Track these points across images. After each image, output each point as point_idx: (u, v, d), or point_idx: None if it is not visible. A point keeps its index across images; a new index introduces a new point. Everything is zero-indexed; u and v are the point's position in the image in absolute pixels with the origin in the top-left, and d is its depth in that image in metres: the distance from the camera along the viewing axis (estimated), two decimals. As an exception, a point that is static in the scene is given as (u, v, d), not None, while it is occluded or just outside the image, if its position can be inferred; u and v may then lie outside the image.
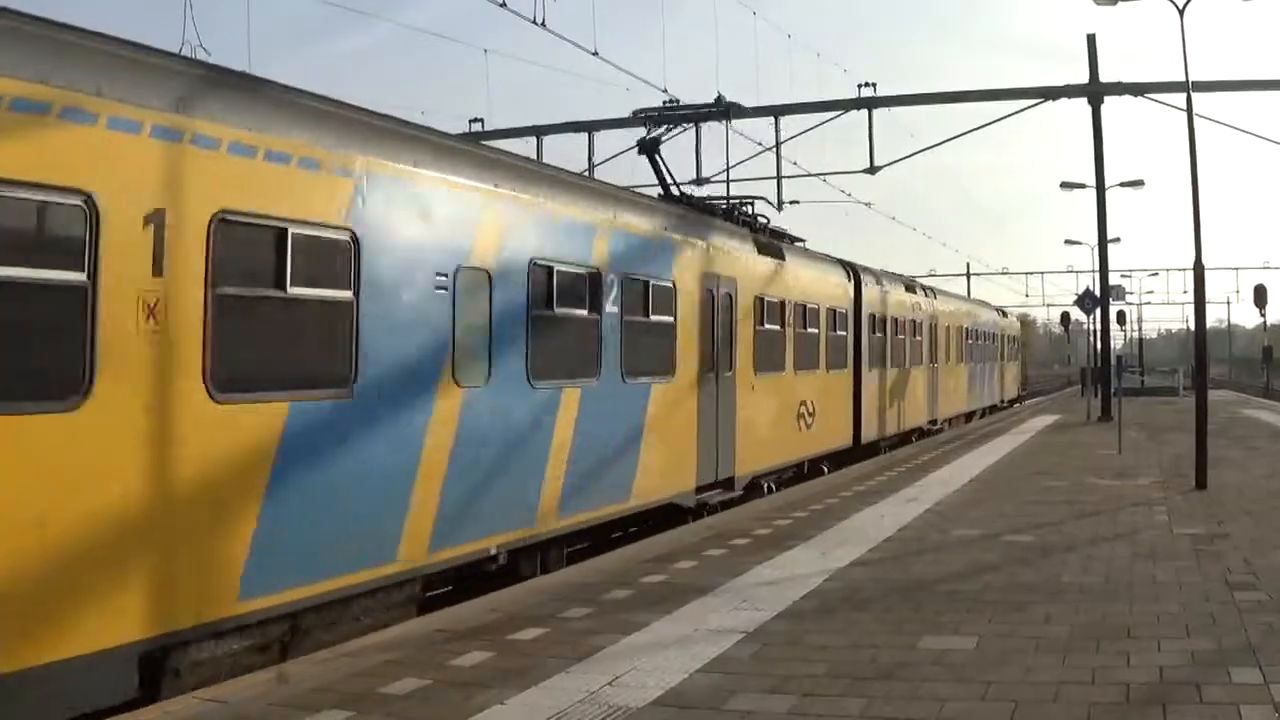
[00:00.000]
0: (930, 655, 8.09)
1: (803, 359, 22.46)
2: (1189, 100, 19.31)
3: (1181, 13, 19.50)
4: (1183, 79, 19.09)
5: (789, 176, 35.86)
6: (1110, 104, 35.08)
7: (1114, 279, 46.17)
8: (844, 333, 25.54)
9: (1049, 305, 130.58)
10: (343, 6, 34.22)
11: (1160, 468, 20.90)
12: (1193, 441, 18.33)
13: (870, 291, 27.77)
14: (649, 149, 20.48)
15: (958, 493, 17.73)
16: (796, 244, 24.08)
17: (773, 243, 21.81)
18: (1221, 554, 11.84)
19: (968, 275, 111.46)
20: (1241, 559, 11.49)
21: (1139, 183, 44.33)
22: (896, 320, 30.43)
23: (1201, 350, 20.42)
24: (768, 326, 20.46)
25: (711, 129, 34.66)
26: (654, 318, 15.77)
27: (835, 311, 24.82)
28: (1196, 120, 19.12)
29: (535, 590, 10.83)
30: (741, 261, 19.42)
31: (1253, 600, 9.56)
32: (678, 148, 38.97)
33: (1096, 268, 38.51)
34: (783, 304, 21.27)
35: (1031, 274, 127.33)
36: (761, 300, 20.22)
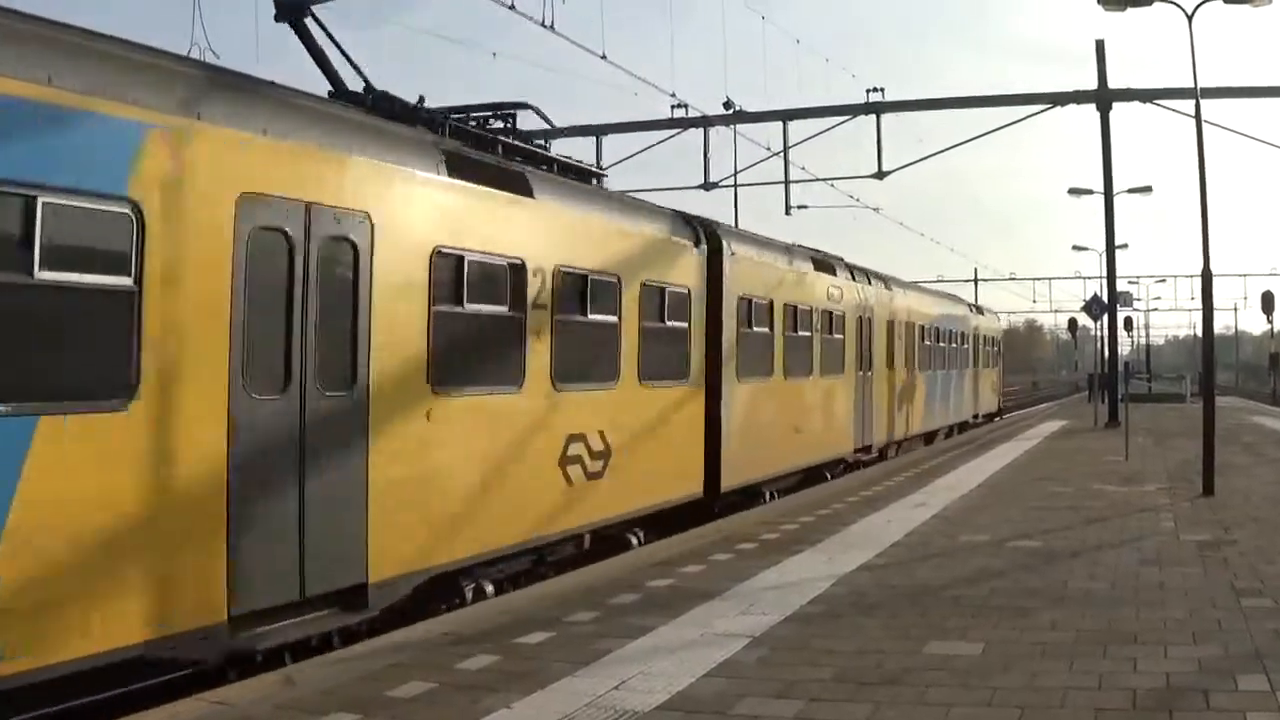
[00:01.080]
0: (936, 661, 8.09)
1: (576, 366, 13.80)
2: (1198, 106, 19.29)
3: (1190, 18, 19.51)
4: (1191, 85, 19.06)
5: (797, 181, 35.97)
6: (1119, 110, 35.09)
7: (1122, 285, 46.26)
8: (683, 324, 16.96)
9: (1057, 311, 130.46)
10: (349, 9, 34.23)
11: (1167, 474, 20.87)
12: (1199, 447, 18.31)
13: (739, 267, 19.07)
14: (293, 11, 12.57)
15: (964, 498, 17.71)
16: (594, 185, 16.18)
17: (505, 169, 13.14)
18: (1228, 560, 11.82)
19: (975, 280, 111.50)
20: (1248, 565, 11.48)
21: (1147, 189, 44.32)
22: (795, 310, 21.91)
23: (1209, 357, 20.41)
24: (469, 309, 11.82)
25: (720, 133, 34.78)
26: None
27: (665, 292, 16.30)
28: (1205, 126, 19.12)
29: (542, 594, 10.83)
30: (397, 188, 10.87)
31: (1260, 607, 9.55)
32: (686, 152, 39.14)
33: (1104, 274, 38.50)
34: (515, 270, 12.56)
35: (1039, 279, 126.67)
36: (457, 260, 11.62)
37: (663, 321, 16.13)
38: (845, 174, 36.61)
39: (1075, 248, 64.48)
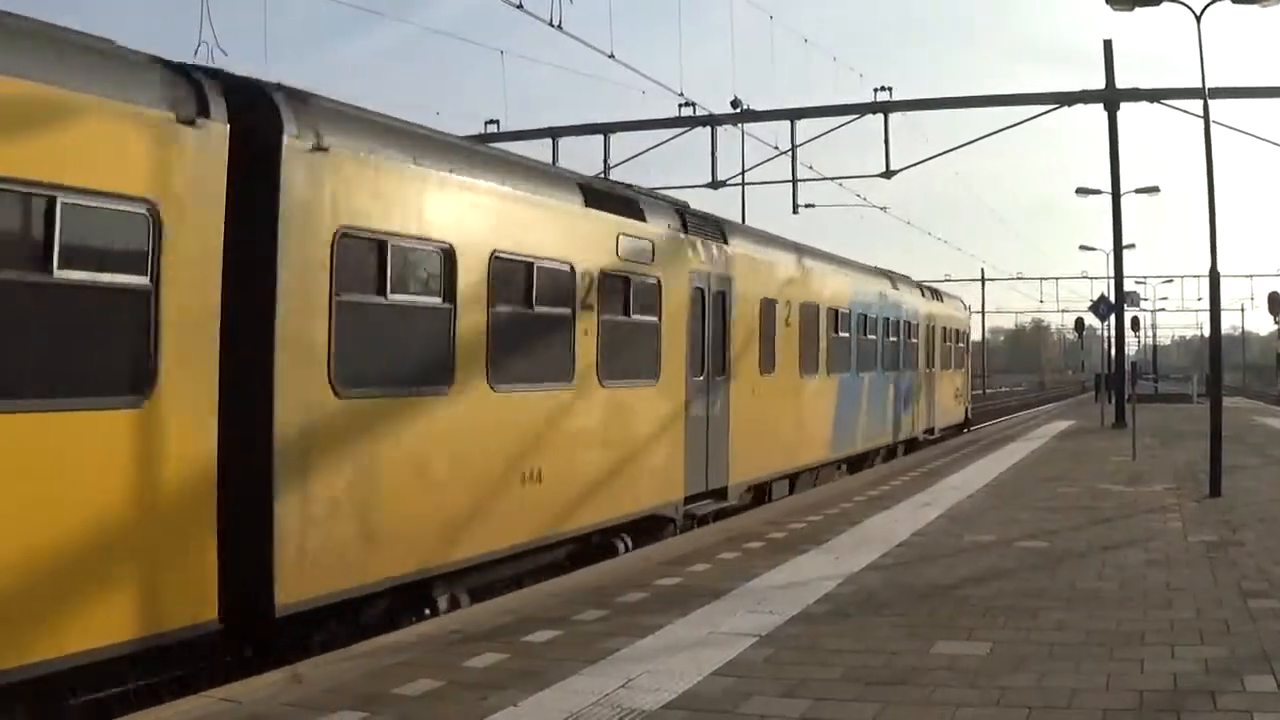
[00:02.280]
0: (944, 660, 8.08)
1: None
2: (1205, 107, 19.28)
3: (1198, 18, 19.47)
4: (1199, 85, 19.04)
5: (805, 180, 35.90)
6: (1126, 110, 35.04)
7: (1129, 285, 46.23)
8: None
9: (1063, 310, 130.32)
10: (358, 7, 34.25)
11: (1174, 474, 20.86)
12: (1206, 448, 18.29)
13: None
14: None
15: (971, 498, 17.71)
16: None
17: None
18: (1235, 561, 11.81)
19: (982, 280, 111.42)
20: (1256, 566, 11.47)
21: (1154, 189, 44.27)
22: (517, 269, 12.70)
23: (1216, 357, 20.38)
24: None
25: (727, 132, 34.77)
26: None
27: None
28: (1213, 126, 19.10)
29: (549, 592, 10.84)
30: None
31: (1267, 608, 9.54)
32: (693, 150, 39.07)
33: (1111, 274, 38.48)
34: None
35: (1046, 279, 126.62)
36: None
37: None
38: (853, 173, 36.35)
39: (1082, 247, 64.58)
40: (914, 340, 31.55)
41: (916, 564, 12.06)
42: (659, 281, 15.79)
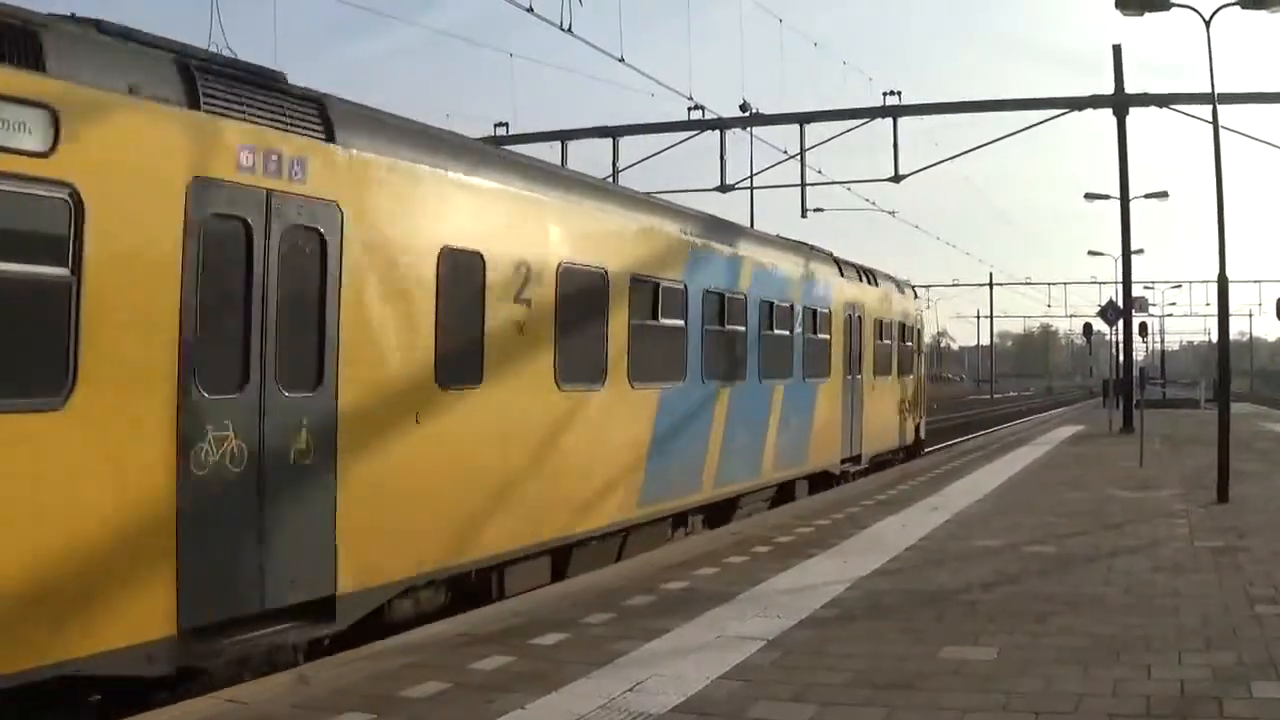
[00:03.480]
0: (951, 665, 8.09)
1: None
2: (1214, 112, 19.25)
3: (1208, 24, 19.47)
4: (1208, 90, 19.03)
5: (813, 184, 35.89)
6: (1136, 115, 35.01)
7: (1137, 290, 46.15)
8: None
9: (1072, 316, 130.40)
10: (367, 9, 34.36)
11: (1182, 480, 20.83)
12: (1214, 454, 18.28)
13: None
14: None
15: (979, 503, 17.71)
16: None
17: None
18: (1242, 567, 11.80)
19: (990, 284, 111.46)
20: (1263, 572, 11.45)
21: (1163, 194, 44.22)
22: None
23: (1224, 363, 20.36)
24: None
25: (736, 135, 34.77)
26: None
27: None
28: (1222, 131, 19.09)
29: (556, 595, 10.85)
30: None
31: (1274, 614, 9.53)
32: (702, 153, 38.98)
33: (1120, 279, 38.42)
34: None
35: (1054, 284, 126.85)
36: None
37: None
38: (862, 177, 36.37)
39: (1091, 253, 64.66)
40: (823, 337, 22.45)
41: (924, 568, 12.05)
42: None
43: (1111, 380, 46.59)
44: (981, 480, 21.33)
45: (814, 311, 21.86)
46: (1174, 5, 20.14)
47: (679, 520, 16.35)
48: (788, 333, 20.51)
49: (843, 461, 23.46)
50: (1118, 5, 20.52)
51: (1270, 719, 6.74)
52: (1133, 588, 10.83)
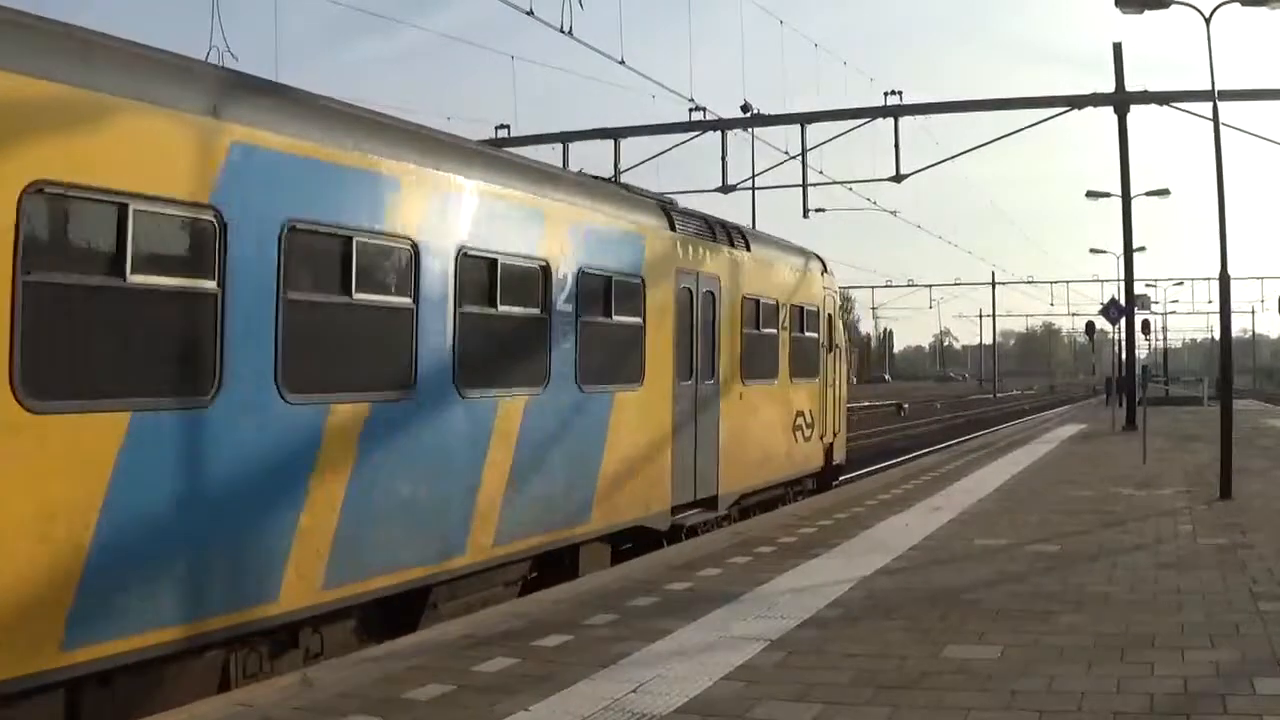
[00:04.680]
0: (955, 664, 8.09)
1: None
2: (1215, 109, 19.25)
3: (1208, 21, 19.47)
4: (1209, 87, 19.02)
5: (815, 184, 35.86)
6: (1136, 112, 35.02)
7: (1139, 288, 46.13)
8: None
9: (1074, 314, 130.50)
10: (368, 11, 34.38)
11: (1185, 477, 20.83)
12: (1217, 451, 18.28)
13: None
14: None
15: (982, 502, 17.71)
16: None
17: None
18: (1246, 564, 11.80)
19: (993, 283, 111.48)
20: (1266, 569, 11.45)
21: (1164, 192, 44.21)
22: None
23: (1227, 360, 20.35)
24: None
25: (738, 136, 34.77)
26: None
27: None
28: (1223, 129, 19.09)
29: (559, 597, 10.85)
30: None
31: (1278, 610, 9.52)
32: (703, 154, 38.89)
33: (1122, 277, 38.41)
34: None
35: (1057, 283, 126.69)
36: None
37: None
38: (863, 177, 36.31)
39: (1093, 251, 64.38)
40: (626, 321, 14.86)
41: (928, 568, 12.05)
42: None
43: (1114, 378, 46.57)
44: (984, 479, 21.33)
45: (605, 281, 14.22)
46: (1174, 3, 20.15)
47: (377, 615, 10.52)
48: (534, 313, 12.71)
49: (678, 510, 15.94)
50: (1118, 3, 20.55)
51: (1274, 715, 6.73)
52: (1136, 585, 10.82)
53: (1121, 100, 34.54)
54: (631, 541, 14.94)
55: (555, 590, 11.46)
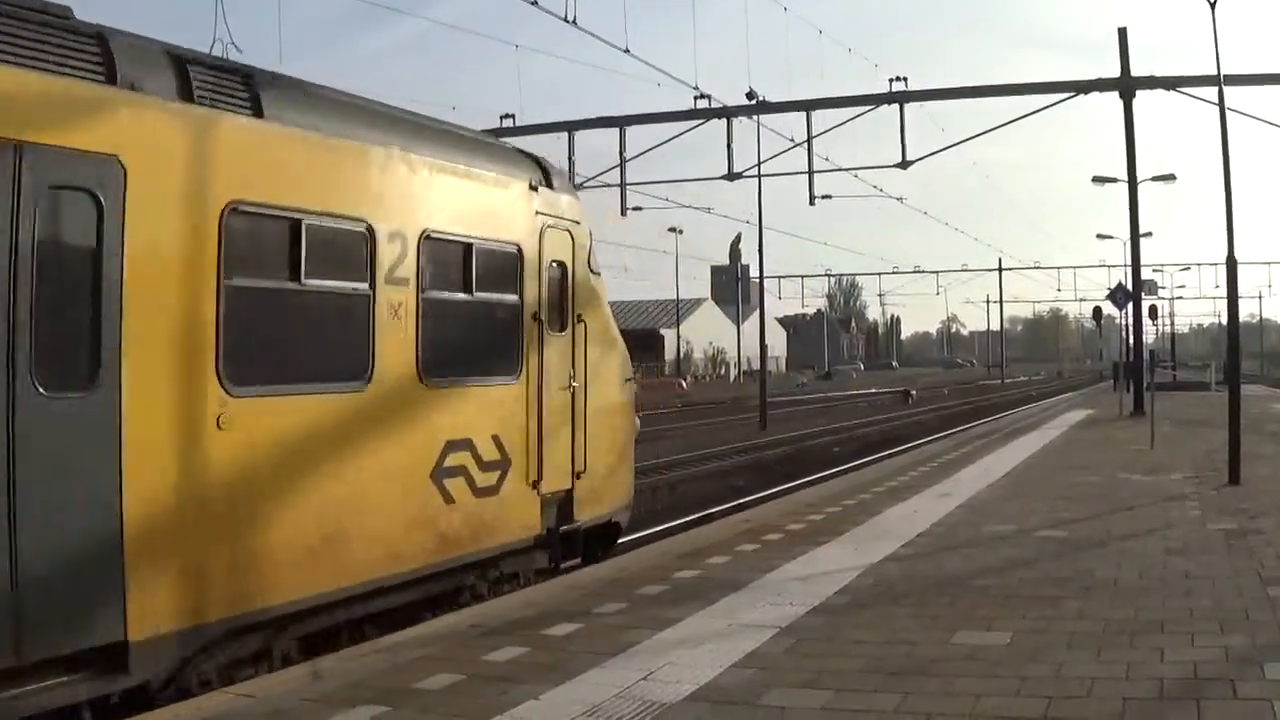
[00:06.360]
0: (964, 650, 8.08)
1: None
2: (1221, 94, 19.20)
3: (1213, 5, 19.39)
4: (1215, 72, 18.96)
5: (820, 171, 35.85)
6: (1142, 98, 34.94)
7: (1146, 273, 46.03)
8: None
9: (1081, 300, 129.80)
10: (371, 3, 34.30)
11: (1192, 463, 20.78)
12: (1225, 437, 18.24)
13: None
14: None
15: (990, 488, 17.69)
16: None
17: None
18: (1254, 549, 11.77)
19: (999, 269, 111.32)
20: (1275, 554, 11.42)
21: (1171, 177, 44.11)
22: None
23: (1234, 345, 20.32)
24: None
25: (743, 124, 34.73)
26: None
27: None
28: (1229, 113, 19.03)
29: (569, 586, 10.87)
30: None
31: (1288, 596, 9.52)
32: (709, 142, 38.87)
33: (1129, 262, 38.37)
34: None
35: (1064, 269, 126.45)
36: None
37: None
38: (869, 164, 36.28)
39: (1100, 236, 64.19)
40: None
41: (936, 554, 12.04)
42: None
43: (1122, 364, 46.49)
44: (992, 465, 21.31)
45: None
46: (1179, -14, 20.08)
47: None
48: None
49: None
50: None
51: (1284, 700, 6.72)
52: (1145, 571, 10.80)
53: (1127, 85, 34.46)
54: None
55: (565, 579, 11.48)
